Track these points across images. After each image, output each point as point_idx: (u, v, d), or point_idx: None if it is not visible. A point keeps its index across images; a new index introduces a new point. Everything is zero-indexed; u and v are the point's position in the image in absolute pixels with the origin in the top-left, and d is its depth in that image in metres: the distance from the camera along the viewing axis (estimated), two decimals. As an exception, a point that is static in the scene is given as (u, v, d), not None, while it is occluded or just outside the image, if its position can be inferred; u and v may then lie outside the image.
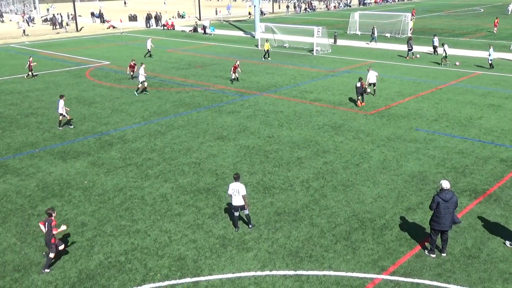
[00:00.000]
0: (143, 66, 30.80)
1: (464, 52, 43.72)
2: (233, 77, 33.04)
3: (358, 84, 26.37)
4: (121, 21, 70.77)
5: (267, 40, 43.60)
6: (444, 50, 37.90)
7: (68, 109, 24.91)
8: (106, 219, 15.19)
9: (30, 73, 36.10)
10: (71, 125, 24.39)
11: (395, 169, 18.38)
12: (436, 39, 43.04)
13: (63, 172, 18.74)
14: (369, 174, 17.98)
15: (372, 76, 28.54)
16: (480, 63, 37.91)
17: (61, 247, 12.72)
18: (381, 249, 13.26)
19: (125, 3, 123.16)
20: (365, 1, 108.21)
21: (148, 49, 44.54)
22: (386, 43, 50.66)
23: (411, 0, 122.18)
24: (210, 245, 13.66)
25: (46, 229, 12.46)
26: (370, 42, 49.53)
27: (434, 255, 12.82)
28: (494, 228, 14.18)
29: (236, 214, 14.26)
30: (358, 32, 58.73)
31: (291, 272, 12.34)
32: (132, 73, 33.81)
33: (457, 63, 37.79)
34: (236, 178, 14.07)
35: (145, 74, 30.64)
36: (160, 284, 12.03)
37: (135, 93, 30.52)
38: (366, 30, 59.09)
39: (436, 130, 22.61)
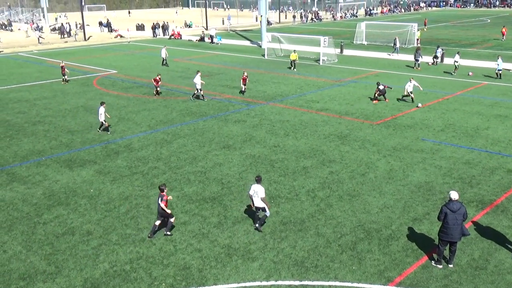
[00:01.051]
0: (199, 73, 30.88)
1: (471, 62, 43.65)
2: (243, 89, 32.51)
3: (381, 87, 29.25)
4: (128, 31, 71.27)
5: (294, 51, 42.53)
6: (455, 60, 37.89)
7: (109, 116, 25.62)
8: (111, 227, 15.19)
9: (64, 77, 37.30)
10: (109, 131, 24.80)
11: (402, 179, 18.30)
12: (439, 50, 43.06)
13: (69, 180, 18.79)
14: (375, 184, 17.91)
15: (411, 86, 29.28)
16: (488, 73, 37.81)
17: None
18: (387, 259, 13.17)
19: (129, 12, 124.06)
20: (372, 11, 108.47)
21: (164, 58, 44.77)
22: (393, 53, 50.63)
23: (417, 10, 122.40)
24: (215, 254, 13.62)
25: (159, 202, 14.22)
26: (392, 53, 49.05)
27: (441, 266, 12.72)
28: (501, 240, 14.06)
29: (257, 213, 14.88)
30: (365, 42, 58.79)
31: (297, 282, 12.27)
32: (157, 88, 32.42)
33: (470, 73, 37.70)
34: (258, 180, 14.51)
35: (202, 82, 30.95)
36: (165, 293, 11.99)
37: (191, 98, 31.22)
38: (373, 40, 59.18)
39: (443, 140, 22.52)
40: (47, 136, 24.35)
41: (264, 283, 12.30)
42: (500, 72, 36.09)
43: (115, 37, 71.21)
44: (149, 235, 14.46)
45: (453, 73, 37.99)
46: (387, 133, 23.79)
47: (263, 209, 14.63)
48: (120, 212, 16.20)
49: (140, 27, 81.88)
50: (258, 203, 14.52)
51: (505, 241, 13.99)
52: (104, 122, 24.40)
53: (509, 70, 38.37)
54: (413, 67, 41.36)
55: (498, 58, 36.37)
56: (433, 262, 12.90)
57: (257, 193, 14.40)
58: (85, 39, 68.19)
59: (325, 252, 13.57)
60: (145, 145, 22.70)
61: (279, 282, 12.30)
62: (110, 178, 19.04)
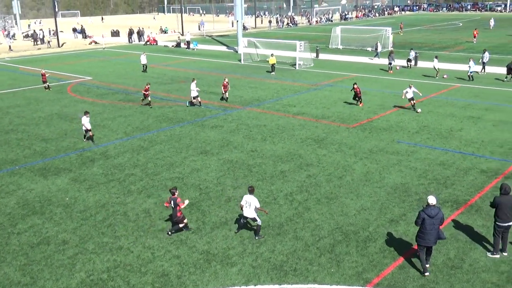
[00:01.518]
0: (195, 81, 30.50)
1: (444, 65, 44.36)
2: (225, 96, 31.83)
3: (358, 88, 29.44)
4: (103, 37, 70.65)
5: (272, 55, 43.03)
6: (434, 65, 38.53)
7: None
8: (88, 236, 14.99)
9: (45, 84, 36.86)
10: (93, 140, 24.08)
11: (378, 181, 18.50)
12: (412, 53, 43.74)
13: (44, 189, 18.50)
14: (352, 187, 18.06)
15: (410, 93, 28.01)
16: (460, 76, 38.53)
17: (185, 220, 14.92)
18: (365, 261, 13.28)
19: (102, 18, 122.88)
20: (347, 16, 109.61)
21: (144, 64, 44.18)
22: (367, 57, 51.25)
23: (391, 15, 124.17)
24: (194, 260, 13.55)
25: (173, 206, 14.49)
26: (374, 57, 49.25)
27: (427, 273, 12.53)
28: (476, 239, 14.31)
29: (244, 221, 14.74)
30: (340, 46, 59.37)
31: (276, 286, 12.28)
32: (144, 97, 31.02)
33: (445, 76, 38.36)
34: (251, 191, 14.47)
35: (198, 89, 30.45)
36: (143, 301, 11.87)
37: (187, 103, 30.94)
38: (348, 44, 59.80)
39: (418, 142, 22.85)
40: (21, 145, 23.93)
41: (243, 287, 12.30)
42: (472, 74, 36.80)
43: (89, 44, 70.50)
44: (169, 232, 14.86)
45: (436, 77, 38.53)
46: (363, 136, 24.03)
47: (253, 219, 14.47)
48: (96, 220, 16.00)
49: (115, 33, 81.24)
50: (249, 213, 14.37)
51: (479, 240, 14.24)
52: (88, 132, 23.86)
53: (478, 72, 39.12)
54: (388, 71, 41.89)
55: (470, 61, 37.09)
56: (420, 273, 12.67)
57: (250, 204, 14.27)
58: (58, 46, 67.34)
59: (304, 256, 13.62)
60: (121, 152, 22.49)
61: (258, 287, 12.30)
62: (86, 186, 18.81)
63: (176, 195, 14.56)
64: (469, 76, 36.93)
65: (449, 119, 26.62)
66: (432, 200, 12.40)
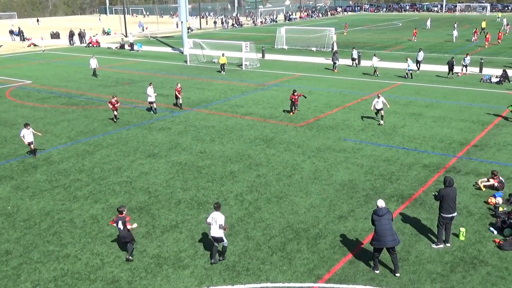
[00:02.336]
0: (151, 85, 28.60)
1: (386, 64, 45.75)
2: (179, 102, 30.08)
3: (295, 96, 27.74)
4: (42, 39, 68.30)
5: (223, 54, 43.14)
6: (373, 62, 39.71)
7: (40, 134, 23.21)
8: (32, 245, 14.46)
9: None
10: (35, 154, 22.16)
11: (326, 179, 18.83)
12: (354, 52, 44.81)
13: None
14: (301, 185, 18.30)
15: (379, 103, 25.79)
16: (401, 74, 39.79)
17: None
18: (316, 258, 13.49)
19: (37, 20, 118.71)
20: (291, 17, 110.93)
21: (93, 68, 41.90)
22: (312, 56, 52.07)
23: (334, 15, 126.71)
24: (144, 265, 13.33)
25: (122, 226, 13.24)
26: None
27: (378, 271, 12.78)
28: (421, 231, 14.83)
29: (216, 245, 13.27)
30: (285, 47, 59.99)
31: (229, 287, 12.28)
32: (115, 111, 27.33)
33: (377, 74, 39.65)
34: (217, 207, 13.16)
35: (155, 94, 28.74)
36: (93, 309, 11.57)
37: (153, 112, 29.02)
38: (293, 44, 60.51)
39: (363, 140, 23.43)
40: (-43, 153, 22.77)
41: (196, 290, 12.21)
42: (410, 72, 38.15)
43: (28, 46, 67.97)
44: (129, 257, 13.49)
45: (376, 75, 39.63)
46: (310, 134, 24.40)
47: (221, 240, 13.18)
48: (41, 228, 15.46)
49: (55, 35, 78.71)
50: (216, 232, 13.05)
51: (424, 232, 14.77)
52: (29, 145, 21.87)
53: (416, 71, 40.58)
54: (332, 70, 42.71)
55: (407, 60, 38.46)
56: (372, 268, 12.91)
57: (216, 221, 13.02)
58: (-5, 49, 64.53)
59: (256, 255, 13.68)
60: (66, 157, 21.82)
61: (211, 288, 12.25)
62: (29, 193, 18.13)
63: (124, 214, 13.48)
64: (407, 73, 38.24)
65: (392, 116, 27.44)
66: (380, 203, 12.66)
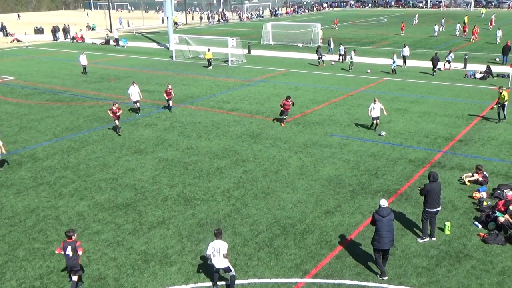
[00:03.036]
0: (135, 84, 27.51)
1: (371, 60, 45.98)
2: (169, 104, 28.28)
3: (288, 102, 24.59)
4: (26, 34, 67.45)
5: (208, 49, 43.04)
6: (351, 57, 40.03)
7: (4, 151, 20.31)
8: (17, 243, 14.32)
9: None
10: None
11: (313, 174, 18.89)
12: (341, 48, 44.94)
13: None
14: (288, 181, 18.34)
15: (376, 109, 23.50)
16: (387, 70, 40.01)
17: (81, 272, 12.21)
18: (303, 253, 13.54)
19: (18, 16, 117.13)
20: (277, 12, 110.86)
21: (83, 65, 40.49)
22: (298, 52, 52.12)
23: (320, 10, 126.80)
24: (131, 262, 13.28)
25: (71, 252, 11.59)
26: (327, 53, 48.53)
27: (386, 277, 12.40)
28: (407, 225, 14.96)
29: (217, 274, 12.00)
30: (271, 42, 59.96)
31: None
32: (117, 120, 24.23)
33: (368, 71, 39.66)
34: (218, 234, 11.62)
35: (139, 93, 27.56)
36: (80, 307, 11.51)
37: (137, 115, 27.56)
38: (279, 40, 60.50)
39: (350, 135, 23.53)
40: None
41: (184, 286, 12.19)
42: (395, 68, 38.39)
43: (11, 42, 67.08)
44: None
45: (349, 70, 40.00)
46: (297, 130, 24.45)
47: (227, 269, 11.85)
48: (26, 226, 15.31)
49: (39, 31, 77.78)
50: (221, 263, 11.65)
51: (410, 226, 14.90)
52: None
53: (401, 66, 40.88)
54: (318, 65, 42.81)
55: (393, 55, 38.69)
56: (378, 276, 12.47)
57: (219, 251, 11.55)
58: (-23, 44, 63.60)
59: (243, 251, 13.69)
60: (51, 154, 21.62)
61: (199, 284, 12.25)
62: (14, 190, 17.93)
63: (73, 239, 11.77)
64: (392, 70, 38.47)
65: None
66: (383, 202, 12.33)
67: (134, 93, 27.23)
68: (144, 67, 44.29)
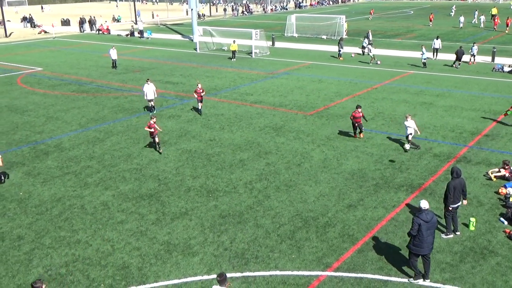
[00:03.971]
0: (149, 82, 26.28)
1: (397, 52, 45.38)
2: (200, 107, 26.22)
3: (358, 113, 21.41)
4: (53, 26, 68.44)
5: (234, 41, 43.08)
6: (370, 50, 39.75)
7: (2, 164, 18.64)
8: (44, 231, 14.62)
9: None
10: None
11: (336, 168, 18.80)
12: (366, 41, 44.43)
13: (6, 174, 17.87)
14: (310, 174, 18.30)
15: (410, 125, 20.24)
16: (413, 63, 39.47)
17: None
18: (324, 246, 13.52)
19: (42, 8, 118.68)
20: (301, 4, 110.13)
21: (114, 59, 39.41)
22: (323, 44, 51.75)
23: (344, 3, 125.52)
24: (154, 251, 13.44)
25: None
26: (368, 45, 47.59)
27: (421, 280, 11.92)
28: (430, 221, 14.78)
29: None
30: (295, 35, 59.66)
31: (238, 274, 12.35)
32: (156, 137, 20.73)
33: (378, 62, 39.33)
34: (221, 281, 9.83)
35: (154, 91, 26.35)
36: (104, 294, 11.72)
37: (150, 113, 26.27)
38: (303, 32, 60.16)
39: (373, 129, 23.32)
40: (-31, 139, 23.00)
41: (206, 277, 12.30)
42: (425, 61, 37.80)
43: (39, 33, 68.16)
44: None
45: (375, 62, 39.57)
46: (320, 123, 24.33)
47: None
48: (52, 214, 15.62)
49: (66, 23, 78.83)
50: None
51: (433, 221, 14.72)
52: None
53: (432, 59, 40.29)
54: (338, 58, 42.45)
55: (422, 48, 38.10)
56: (411, 279, 12.01)
57: None
58: (6, 36, 64.80)
59: (265, 243, 13.73)
60: (77, 144, 21.97)
61: (221, 275, 12.32)
62: (40, 179, 18.30)
63: None
64: (423, 63, 37.89)
65: (402, 105, 27.28)
66: (425, 204, 11.57)
67: (149, 91, 26.08)
68: (168, 59, 44.55)
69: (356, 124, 21.71)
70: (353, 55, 43.85)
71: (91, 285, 12.05)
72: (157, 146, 20.72)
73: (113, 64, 39.95)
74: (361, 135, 22.06)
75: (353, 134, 22.28)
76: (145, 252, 13.42)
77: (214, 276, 12.28)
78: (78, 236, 14.25)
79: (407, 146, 20.40)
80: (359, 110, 21.50)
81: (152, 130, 20.40)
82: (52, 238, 14.18)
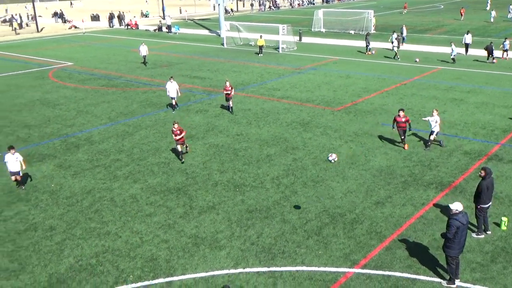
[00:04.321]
0: (172, 80, 25.72)
1: (426, 48, 44.67)
2: (230, 105, 25.53)
3: (400, 118, 19.59)
4: (83, 21, 69.50)
5: (261, 36, 43.23)
6: (397, 45, 39.35)
7: (24, 166, 17.56)
8: (75, 222, 14.92)
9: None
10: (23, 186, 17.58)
11: (363, 164, 18.66)
12: (395, 35, 43.82)
13: (28, 176, 18.29)
14: (338, 170, 18.20)
15: (436, 125, 19.77)
16: (443, 58, 38.82)
17: None
18: (352, 243, 13.45)
19: (71, 3, 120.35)
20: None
21: (144, 55, 39.28)
22: (350, 40, 51.29)
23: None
24: (182, 244, 13.58)
25: None
26: (401, 43, 45.39)
27: (454, 286, 11.63)
28: (460, 219, 14.55)
29: None
30: (323, 30, 59.26)
31: (265, 269, 12.39)
32: (181, 144, 19.41)
33: (417, 60, 38.59)
34: None
35: (177, 88, 25.73)
36: (133, 285, 11.91)
37: (173, 111, 26.11)
38: (330, 27, 59.71)
39: (402, 125, 23.00)
40: (3, 132, 23.58)
41: (232, 271, 12.37)
42: (455, 57, 37.11)
43: (69, 28, 69.31)
44: None
45: (396, 58, 39.09)
46: (348, 119, 24.16)
47: None
48: (83, 206, 15.92)
49: (95, 18, 79.95)
50: None
51: (463, 220, 14.48)
52: (13, 174, 17.15)
53: (462, 54, 39.55)
54: (365, 53, 42.01)
55: (451, 44, 37.39)
56: (445, 282, 11.72)
57: None
58: (37, 31, 66.10)
59: (292, 238, 13.74)
60: (106, 138, 22.31)
61: (247, 270, 12.39)
62: (71, 172, 18.65)
63: None
64: (452, 59, 37.22)
65: (432, 101, 26.87)
66: (459, 206, 11.23)
67: (172, 89, 25.43)
68: (196, 54, 44.80)
69: (399, 130, 19.66)
70: (373, 52, 43.06)
71: (121, 276, 12.26)
72: (180, 154, 19.25)
73: (143, 60, 39.90)
74: (406, 147, 19.91)
75: (399, 142, 20.35)
76: (173, 245, 13.58)
77: (241, 270, 12.36)
78: (107, 228, 14.49)
79: (432, 139, 19.76)
80: (402, 113, 19.44)
81: (178, 137, 18.99)
82: (83, 229, 14.45)
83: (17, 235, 14.23)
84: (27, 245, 13.66)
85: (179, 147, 19.15)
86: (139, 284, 11.95)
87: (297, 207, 15.43)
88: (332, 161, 16.36)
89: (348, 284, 11.74)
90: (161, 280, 12.07)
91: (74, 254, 13.21)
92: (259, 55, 42.83)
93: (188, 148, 20.05)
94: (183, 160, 19.25)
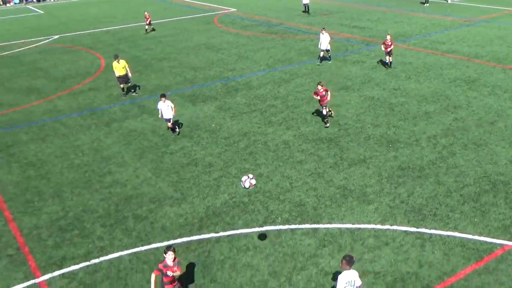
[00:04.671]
0: (325, 31, 25.02)
1: None
2: (390, 60, 23.88)
3: None
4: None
5: None
6: None
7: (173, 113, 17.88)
8: (231, 161, 15.86)
9: (147, 27, 34.92)
10: (176, 132, 18.09)
11: (536, 130, 16.86)
12: None
13: (192, 115, 19.75)
14: (505, 134, 16.69)
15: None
16: None
17: None
18: (513, 214, 12.44)
19: None
20: None
21: (305, 4, 38.54)
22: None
23: None
24: (330, 194, 13.74)
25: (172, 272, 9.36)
26: None
27: None
28: None
29: None
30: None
31: (413, 229, 12.06)
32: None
33: None
34: (349, 261, 8.73)
35: (330, 39, 25.01)
36: (281, 227, 12.43)
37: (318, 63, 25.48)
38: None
39: None
40: (172, 72, 25.56)
41: (379, 226, 12.25)
42: None
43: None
44: None
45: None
46: (522, 79, 21.83)
47: None
48: (239, 147, 16.81)
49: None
50: None
51: None
52: (170, 122, 17.77)
53: None
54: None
55: None
56: None
57: (353, 284, 8.85)
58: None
59: (445, 201, 13.10)
60: (263, 84, 23.01)
61: (395, 227, 12.18)
62: (230, 114, 19.69)
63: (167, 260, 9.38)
64: None
65: None
66: None
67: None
68: (356, 2, 43.41)
69: None
70: None
71: (270, 216, 12.86)
72: (325, 118, 17.86)
73: (305, 8, 39.58)
74: None
75: None
76: (321, 193, 13.80)
77: (388, 226, 12.19)
78: (260, 170, 15.18)
79: None
80: None
81: (319, 98, 17.66)
82: (238, 169, 15.33)
83: (180, 167, 15.61)
84: (189, 178, 14.93)
85: (324, 111, 17.81)
86: (286, 226, 12.44)
87: (262, 236, 12.13)
88: (248, 187, 11.75)
89: (506, 258, 10.95)
90: (307, 225, 12.43)
91: (229, 191, 14.13)
92: (425, 4, 40.13)
93: (332, 113, 18.88)
94: (327, 125, 17.92)
